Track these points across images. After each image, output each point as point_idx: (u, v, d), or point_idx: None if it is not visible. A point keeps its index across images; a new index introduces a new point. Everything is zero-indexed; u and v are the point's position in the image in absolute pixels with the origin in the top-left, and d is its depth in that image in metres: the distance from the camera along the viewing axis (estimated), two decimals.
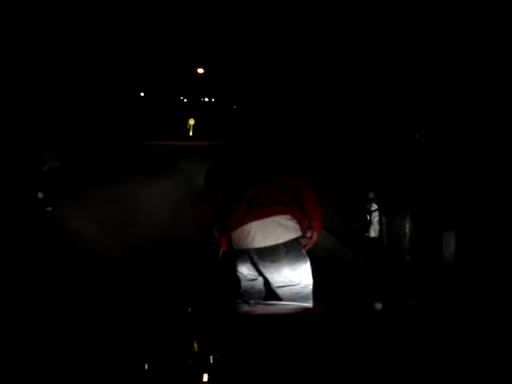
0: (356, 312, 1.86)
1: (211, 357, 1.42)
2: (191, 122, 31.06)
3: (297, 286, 2.98)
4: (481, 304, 1.86)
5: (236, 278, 3.12)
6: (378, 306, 2.01)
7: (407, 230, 5.08)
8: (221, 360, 1.40)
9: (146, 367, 1.32)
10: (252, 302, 2.44)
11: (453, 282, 4.43)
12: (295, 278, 2.97)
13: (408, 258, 5.05)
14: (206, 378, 1.29)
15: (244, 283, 3.10)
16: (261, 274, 3.03)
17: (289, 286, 2.97)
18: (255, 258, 2.95)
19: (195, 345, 1.52)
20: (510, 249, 4.23)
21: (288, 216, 2.95)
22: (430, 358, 1.32)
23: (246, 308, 2.05)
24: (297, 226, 2.98)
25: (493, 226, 4.56)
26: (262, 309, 2.07)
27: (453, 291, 4.18)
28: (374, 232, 6.24)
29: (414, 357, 1.34)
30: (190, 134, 30.54)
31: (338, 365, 1.32)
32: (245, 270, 3.05)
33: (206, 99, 35.87)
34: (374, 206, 6.19)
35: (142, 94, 34.90)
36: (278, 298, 2.97)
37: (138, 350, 1.42)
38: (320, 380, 1.24)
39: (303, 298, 2.97)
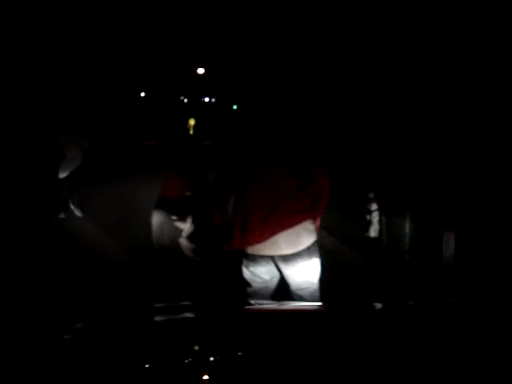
0: (356, 312, 1.86)
1: (213, 357, 1.42)
2: (191, 122, 31.06)
3: (314, 286, 3.06)
4: (481, 304, 1.86)
5: (243, 278, 3.09)
6: (378, 306, 2.01)
7: (407, 230, 5.08)
8: (222, 360, 1.40)
9: (146, 367, 1.32)
10: (253, 301, 2.44)
11: (453, 281, 4.43)
12: (313, 278, 3.04)
13: (408, 257, 5.06)
14: (205, 377, 1.29)
15: (256, 284, 3.07)
16: (280, 276, 3.04)
17: (308, 287, 3.03)
18: (279, 263, 2.96)
19: (196, 345, 1.51)
20: (509, 249, 4.23)
21: (311, 220, 2.99)
22: (430, 358, 1.32)
23: (248, 308, 2.05)
24: (315, 228, 3.04)
25: (492, 226, 4.56)
26: (264, 308, 2.07)
27: (453, 291, 4.18)
28: (373, 232, 6.24)
29: (414, 357, 1.34)
30: (191, 133, 30.53)
31: (338, 365, 1.32)
32: (261, 272, 3.02)
33: (206, 99, 35.84)
34: (374, 206, 6.19)
35: (143, 94, 34.87)
36: (298, 298, 3.02)
37: (138, 349, 1.42)
38: (320, 380, 1.24)
39: (316, 295, 3.06)
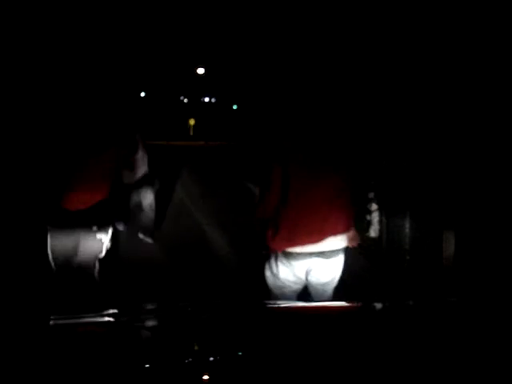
0: (356, 312, 1.86)
1: (213, 357, 1.42)
2: (191, 122, 31.04)
3: (336, 282, 3.16)
4: (481, 304, 1.86)
5: (270, 280, 3.08)
6: (378, 306, 2.01)
7: (407, 230, 5.09)
8: (224, 360, 1.40)
9: (146, 367, 1.32)
10: (254, 302, 2.44)
11: (452, 282, 4.43)
12: (339, 274, 3.14)
13: (408, 257, 5.06)
14: (205, 377, 1.29)
15: (288, 283, 3.06)
16: (306, 275, 3.07)
17: (334, 282, 3.13)
18: (318, 258, 2.99)
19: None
20: (509, 249, 4.23)
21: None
22: (430, 358, 1.32)
23: (260, 308, 2.05)
24: None
25: (492, 226, 4.56)
26: (274, 309, 2.07)
27: (452, 291, 4.19)
28: (373, 232, 6.25)
29: (414, 357, 1.35)
30: (191, 133, 30.53)
31: (338, 365, 1.32)
32: (297, 270, 3.02)
33: (206, 99, 35.83)
34: (374, 206, 6.19)
35: (143, 94, 34.86)
36: (322, 293, 3.09)
37: (139, 349, 1.42)
38: (318, 379, 1.25)
39: (333, 291, 3.16)
